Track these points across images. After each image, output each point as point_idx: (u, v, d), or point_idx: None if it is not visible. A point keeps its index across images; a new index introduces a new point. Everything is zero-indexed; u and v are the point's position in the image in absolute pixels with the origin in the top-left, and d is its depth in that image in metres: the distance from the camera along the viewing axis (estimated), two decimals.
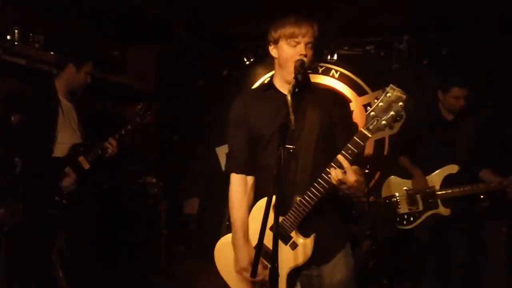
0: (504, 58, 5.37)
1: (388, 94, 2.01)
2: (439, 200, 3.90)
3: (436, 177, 3.94)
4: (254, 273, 2.03)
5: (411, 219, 3.99)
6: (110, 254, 4.25)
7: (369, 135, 2.05)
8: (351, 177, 2.06)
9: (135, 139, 4.45)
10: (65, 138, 3.83)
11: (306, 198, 2.20)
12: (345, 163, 2.07)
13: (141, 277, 4.92)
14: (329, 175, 2.11)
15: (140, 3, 5.03)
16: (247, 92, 2.65)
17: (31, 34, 4.40)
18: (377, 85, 6.16)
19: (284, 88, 2.36)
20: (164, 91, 6.48)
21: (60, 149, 3.80)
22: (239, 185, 2.47)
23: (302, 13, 2.38)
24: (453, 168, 3.88)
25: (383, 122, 2.01)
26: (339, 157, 2.09)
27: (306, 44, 2.30)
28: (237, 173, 2.48)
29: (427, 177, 3.96)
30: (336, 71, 6.29)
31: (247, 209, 2.44)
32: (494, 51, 5.42)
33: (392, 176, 4.18)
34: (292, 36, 2.31)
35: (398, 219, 4.05)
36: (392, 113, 2.00)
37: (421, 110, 4.24)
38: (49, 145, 3.75)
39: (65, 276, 3.97)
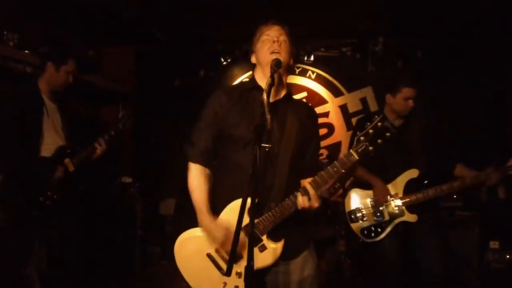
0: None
1: (379, 124, 2.20)
2: (404, 207, 3.76)
3: (398, 184, 3.81)
4: (229, 271, 2.06)
5: (379, 230, 3.84)
6: (84, 254, 4.20)
7: (356, 157, 2.22)
8: (315, 203, 2.26)
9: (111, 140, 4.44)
10: (50, 139, 3.80)
11: (281, 208, 2.30)
12: (311, 191, 2.25)
13: (116, 278, 4.88)
14: (296, 199, 2.27)
15: (117, 4, 4.99)
16: (229, 88, 2.70)
17: (5, 32, 4.33)
18: (353, 86, 6.25)
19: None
20: (141, 91, 6.43)
21: (46, 151, 3.77)
22: (198, 172, 2.49)
23: (279, 14, 2.44)
24: (413, 173, 3.77)
25: (370, 148, 2.20)
26: (307, 185, 2.26)
27: (277, 37, 2.39)
28: (196, 162, 2.50)
29: (389, 185, 3.82)
30: (313, 72, 6.34)
31: (207, 192, 2.47)
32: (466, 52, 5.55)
33: (354, 189, 4.03)
34: (263, 33, 2.43)
35: (365, 232, 3.87)
36: (379, 141, 2.20)
37: (369, 117, 4.16)
38: (36, 146, 3.72)
39: (38, 277, 3.93)
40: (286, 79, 2.51)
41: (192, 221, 2.56)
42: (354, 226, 3.92)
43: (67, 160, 3.84)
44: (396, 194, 3.79)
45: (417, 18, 5.26)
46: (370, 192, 3.90)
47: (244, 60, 6.06)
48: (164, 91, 6.44)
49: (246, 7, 4.65)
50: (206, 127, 2.51)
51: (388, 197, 3.79)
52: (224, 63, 6.27)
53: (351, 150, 2.22)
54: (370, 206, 3.88)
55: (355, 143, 2.22)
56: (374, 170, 3.87)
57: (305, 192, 2.25)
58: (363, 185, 3.94)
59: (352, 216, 3.93)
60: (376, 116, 2.21)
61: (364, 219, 3.89)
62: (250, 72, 2.60)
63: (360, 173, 3.92)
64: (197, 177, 2.49)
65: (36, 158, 3.71)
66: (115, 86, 6.02)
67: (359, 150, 2.21)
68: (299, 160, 2.46)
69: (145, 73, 6.50)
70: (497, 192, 4.36)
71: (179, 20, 5.60)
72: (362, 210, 3.90)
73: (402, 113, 3.88)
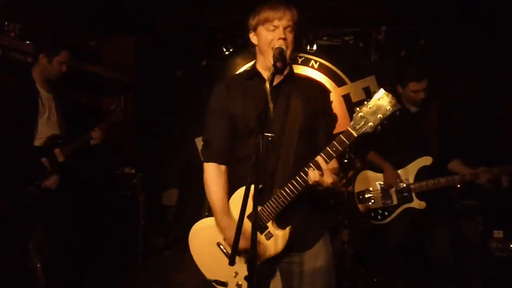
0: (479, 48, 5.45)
1: (379, 97, 2.04)
2: (413, 194, 3.83)
3: (410, 170, 3.87)
4: (232, 261, 2.03)
5: (386, 213, 3.92)
6: (88, 245, 4.21)
7: (355, 135, 2.08)
8: (328, 179, 2.13)
9: (113, 130, 4.44)
10: (45, 129, 3.81)
11: (285, 191, 2.23)
12: (323, 165, 2.13)
13: (120, 269, 4.89)
14: (306, 175, 2.15)
15: None
16: (230, 79, 2.60)
17: (6, 23, 4.31)
18: (356, 75, 6.20)
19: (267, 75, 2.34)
20: (142, 81, 6.41)
21: (40, 140, 3.79)
22: (214, 172, 2.44)
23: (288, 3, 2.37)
24: (427, 160, 3.82)
25: (370, 124, 2.05)
26: (318, 158, 2.13)
27: (284, 28, 2.30)
28: (214, 162, 2.46)
29: (401, 170, 3.88)
30: (316, 61, 6.29)
31: (225, 191, 2.42)
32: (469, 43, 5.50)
33: (365, 170, 4.11)
34: (268, 20, 2.31)
35: (372, 214, 3.98)
36: (379, 116, 2.04)
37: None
38: (30, 136, 3.74)
39: (43, 268, 3.94)
40: (289, 59, 2.41)
41: (194, 212, 2.55)
42: (361, 206, 4.03)
43: (57, 150, 3.84)
44: (407, 179, 3.85)
45: (419, 6, 5.21)
46: (381, 175, 3.97)
47: (246, 49, 6.02)
48: (166, 80, 6.40)
49: None
50: (214, 124, 2.46)
51: (398, 182, 3.84)
52: (226, 52, 6.22)
53: (348, 128, 2.08)
54: (379, 189, 3.96)
55: (352, 120, 2.07)
56: (388, 154, 3.92)
57: (317, 166, 2.13)
58: (375, 168, 4.01)
59: (361, 197, 4.04)
60: (375, 91, 2.05)
61: (372, 201, 3.98)
62: (253, 62, 2.55)
63: (372, 157, 4.00)
64: (211, 177, 2.44)
65: (29, 148, 3.72)
66: (116, 76, 6.00)
67: (357, 127, 2.07)
68: (308, 139, 2.39)
69: (145, 63, 6.45)
70: (501, 181, 4.35)
71: (179, 8, 5.56)
72: (371, 192, 3.99)
73: (415, 103, 3.92)
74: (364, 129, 2.06)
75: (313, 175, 2.12)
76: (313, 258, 2.38)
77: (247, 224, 2.04)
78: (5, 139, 3.63)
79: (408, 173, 3.87)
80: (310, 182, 2.14)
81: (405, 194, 3.86)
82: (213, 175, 2.43)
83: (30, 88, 3.79)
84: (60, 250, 3.86)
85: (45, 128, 3.82)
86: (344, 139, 2.10)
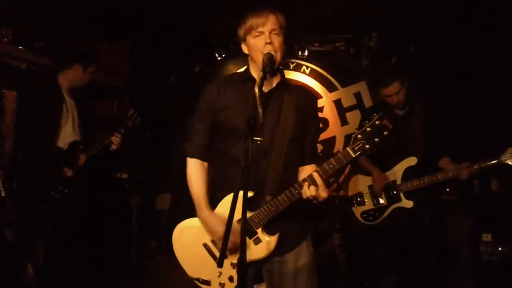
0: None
1: (377, 122, 2.17)
2: (401, 193, 3.99)
3: (397, 171, 4.02)
4: (220, 263, 2.10)
5: (376, 214, 4.10)
6: (81, 249, 4.22)
7: (353, 155, 2.21)
8: (323, 193, 2.25)
9: (107, 135, 4.47)
10: (67, 135, 3.97)
11: (278, 201, 2.31)
12: (319, 181, 2.24)
13: (113, 273, 4.90)
14: (301, 188, 2.26)
15: None
16: (223, 80, 2.64)
17: None
18: (347, 81, 6.27)
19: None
20: (136, 86, 6.42)
21: (62, 145, 3.95)
22: (196, 168, 2.54)
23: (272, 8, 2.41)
24: (412, 161, 3.97)
25: (367, 146, 2.18)
26: (314, 174, 2.24)
27: (270, 32, 2.33)
28: (195, 158, 2.54)
29: (388, 172, 4.05)
30: (307, 67, 6.35)
31: (206, 186, 2.51)
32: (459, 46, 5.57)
33: (357, 175, 4.33)
34: (253, 27, 2.36)
35: (365, 215, 4.17)
36: (377, 139, 2.17)
37: (375, 108, 4.34)
38: (53, 141, 3.88)
39: (35, 271, 3.95)
40: (279, 68, 2.47)
41: (187, 216, 2.59)
42: (355, 210, 4.22)
43: (81, 156, 4.00)
44: (394, 180, 4.01)
45: (410, 12, 5.27)
46: (371, 178, 4.15)
47: (239, 54, 6.04)
48: (160, 85, 6.43)
49: (242, 2, 4.66)
50: (200, 122, 2.53)
51: (386, 183, 4.01)
52: (219, 58, 6.26)
53: (347, 148, 2.22)
54: (369, 192, 4.15)
55: (352, 141, 2.21)
56: (376, 157, 4.09)
57: (313, 182, 2.24)
58: (366, 172, 4.20)
59: (354, 200, 4.23)
60: (375, 114, 2.19)
61: (365, 203, 4.18)
62: (246, 67, 2.58)
63: (362, 161, 4.18)
64: (195, 172, 2.53)
65: (52, 152, 3.86)
66: (111, 81, 6.01)
67: (356, 148, 2.20)
68: (297, 146, 2.46)
69: (140, 68, 6.47)
70: (490, 185, 4.44)
71: (173, 14, 5.59)
72: (363, 195, 4.19)
73: (396, 107, 4.03)
74: (361, 150, 2.19)
75: (308, 190, 2.23)
76: (295, 258, 2.45)
77: (234, 230, 2.08)
78: (32, 144, 3.81)
79: (395, 174, 4.03)
80: (305, 196, 2.25)
81: (393, 194, 4.02)
82: (196, 170, 2.53)
83: (56, 94, 3.96)
84: (58, 254, 3.92)
85: (68, 133, 3.97)
86: (342, 158, 2.23)
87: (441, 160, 4.05)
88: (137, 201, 5.59)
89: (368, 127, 2.18)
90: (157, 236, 5.91)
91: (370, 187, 4.15)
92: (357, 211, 4.21)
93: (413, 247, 4.07)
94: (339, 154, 2.23)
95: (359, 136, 2.19)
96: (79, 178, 4.00)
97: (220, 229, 2.30)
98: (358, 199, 4.21)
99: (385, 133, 2.15)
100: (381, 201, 4.08)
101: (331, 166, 2.24)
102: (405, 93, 3.96)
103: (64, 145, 3.95)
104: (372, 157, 4.13)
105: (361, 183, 4.24)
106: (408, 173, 3.98)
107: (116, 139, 4.17)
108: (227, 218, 2.00)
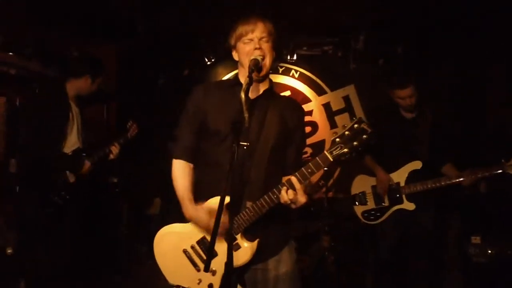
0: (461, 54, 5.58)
1: (356, 126, 2.16)
2: (404, 196, 4.04)
3: (401, 173, 4.07)
4: (207, 267, 2.12)
5: (378, 214, 4.16)
6: (70, 253, 4.20)
7: (331, 159, 2.20)
8: (302, 198, 2.24)
9: (96, 139, 4.47)
10: (72, 142, 4.00)
11: (257, 206, 2.30)
12: (297, 185, 2.22)
13: (103, 278, 4.87)
14: (280, 192, 2.24)
15: (99, 2, 4.97)
16: (210, 84, 2.71)
17: None
18: (336, 84, 6.30)
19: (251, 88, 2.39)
20: (124, 90, 6.40)
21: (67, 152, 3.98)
22: (183, 168, 2.54)
23: (259, 12, 2.43)
24: (417, 164, 4.02)
25: (345, 150, 2.16)
26: (292, 178, 2.23)
27: (259, 39, 2.37)
28: (181, 159, 2.55)
29: (393, 174, 4.09)
30: (296, 71, 6.37)
31: (190, 184, 2.51)
32: (450, 49, 5.60)
33: (361, 174, 4.36)
34: (242, 35, 2.41)
35: (366, 215, 4.22)
36: (355, 143, 2.15)
37: (383, 109, 4.37)
38: (58, 148, 3.91)
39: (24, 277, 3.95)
40: (267, 75, 2.51)
41: (177, 221, 2.59)
42: (356, 208, 4.28)
43: (86, 163, 4.04)
44: (398, 182, 4.07)
45: (397, 14, 5.31)
46: (375, 179, 4.20)
47: (228, 58, 6.03)
48: (148, 90, 6.40)
49: (227, 3, 4.68)
50: (187, 124, 2.55)
51: (390, 185, 4.07)
52: (208, 62, 6.25)
53: (325, 152, 2.20)
54: (372, 192, 4.20)
55: (330, 144, 2.20)
56: (382, 159, 4.15)
57: (291, 186, 2.23)
58: (370, 171, 4.24)
59: (357, 199, 4.28)
60: (354, 118, 2.20)
61: (367, 203, 4.23)
62: (236, 71, 2.60)
63: (367, 161, 4.22)
64: (180, 172, 2.53)
65: (56, 158, 3.88)
66: (101, 85, 5.98)
67: (334, 152, 2.18)
68: (280, 155, 2.48)
69: (128, 72, 6.45)
70: (478, 187, 4.48)
71: (162, 17, 5.58)
72: (366, 194, 4.24)
73: (406, 109, 4.09)
74: (339, 153, 2.18)
75: (286, 194, 2.22)
76: (277, 265, 2.45)
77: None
78: (35, 148, 3.82)
79: (399, 177, 4.08)
80: (282, 201, 2.24)
81: (396, 196, 4.07)
82: (181, 171, 2.54)
83: (63, 101, 3.99)
84: (51, 260, 3.92)
85: (73, 141, 4.01)
86: (320, 162, 2.22)
87: (444, 166, 4.11)
88: (126, 206, 5.57)
89: (346, 130, 2.17)
90: (147, 241, 5.88)
91: (373, 187, 4.20)
92: (359, 210, 4.26)
93: (410, 250, 4.11)
94: (317, 158, 2.22)
95: (337, 139, 2.18)
96: (80, 184, 4.04)
97: (207, 219, 2.32)
98: (361, 198, 4.26)
99: (364, 136, 2.14)
100: (384, 201, 4.13)
101: (309, 171, 2.23)
102: (417, 98, 4.01)
103: (68, 153, 3.98)
104: (378, 158, 4.17)
105: (365, 183, 4.29)
106: (412, 177, 4.04)
107: (115, 149, 4.25)
108: (213, 210, 2.02)
